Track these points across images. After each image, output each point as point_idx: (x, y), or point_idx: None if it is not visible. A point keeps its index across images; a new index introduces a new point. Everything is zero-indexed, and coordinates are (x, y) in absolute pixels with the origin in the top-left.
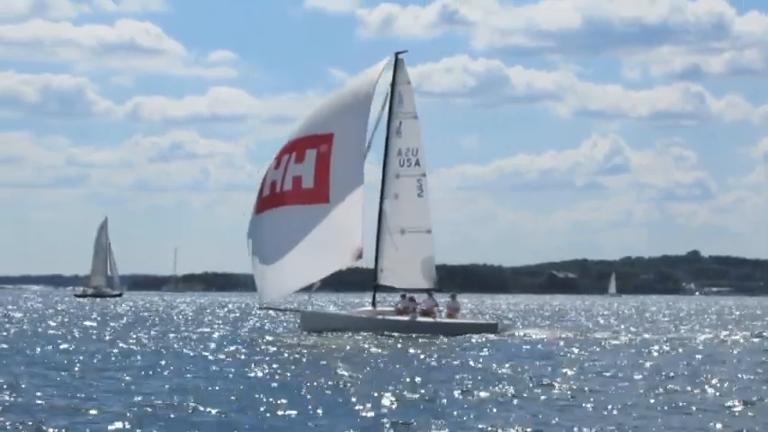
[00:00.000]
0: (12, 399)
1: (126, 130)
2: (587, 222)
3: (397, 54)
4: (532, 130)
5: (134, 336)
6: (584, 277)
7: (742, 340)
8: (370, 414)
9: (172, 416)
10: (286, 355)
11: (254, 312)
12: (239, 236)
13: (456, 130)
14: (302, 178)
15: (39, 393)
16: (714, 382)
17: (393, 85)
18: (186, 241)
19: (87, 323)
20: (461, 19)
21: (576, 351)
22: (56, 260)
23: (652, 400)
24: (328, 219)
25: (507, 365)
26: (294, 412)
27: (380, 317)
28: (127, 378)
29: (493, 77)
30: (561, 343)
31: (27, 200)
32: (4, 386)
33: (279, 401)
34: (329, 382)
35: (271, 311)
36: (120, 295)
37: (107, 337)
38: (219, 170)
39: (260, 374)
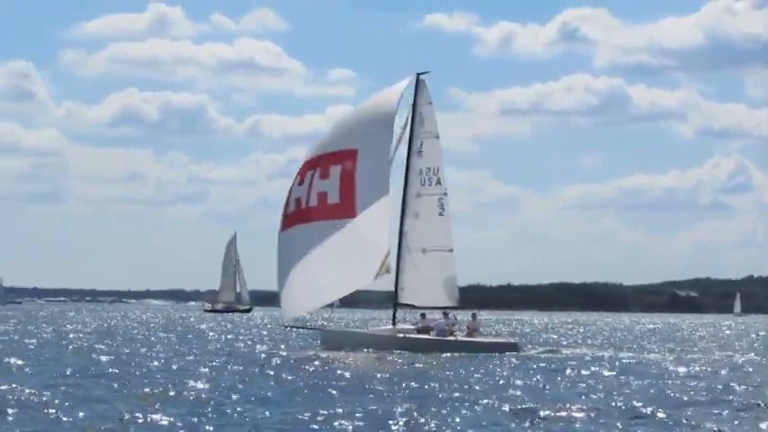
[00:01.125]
0: None
1: (246, 148)
2: (710, 242)
3: (418, 75)
4: (654, 149)
5: None
6: (706, 296)
7: None
8: None
9: None
10: None
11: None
12: None
13: (576, 148)
14: (327, 194)
15: None
16: None
17: (414, 105)
18: None
19: None
20: (582, 37)
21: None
22: (177, 275)
23: None
24: (355, 234)
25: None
26: None
27: (401, 335)
28: None
29: (614, 96)
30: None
31: (149, 216)
32: None
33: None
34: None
35: (294, 329)
36: (249, 310)
37: None
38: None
39: None
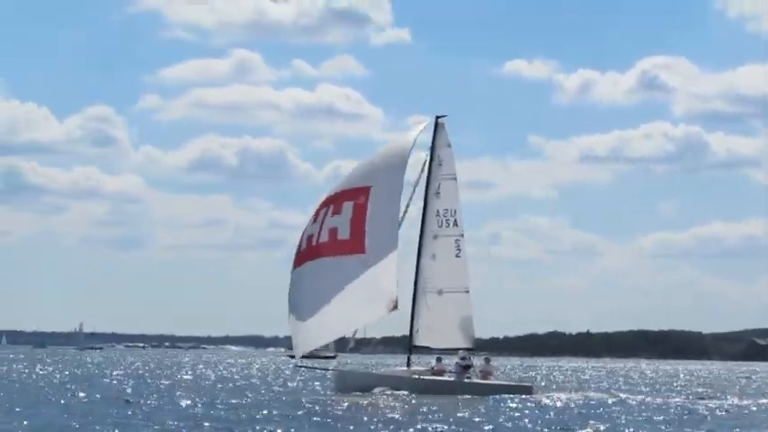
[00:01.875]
0: None
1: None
2: None
3: (437, 117)
4: (732, 196)
5: None
6: None
7: None
8: None
9: None
10: None
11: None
12: None
13: (654, 196)
14: (338, 230)
15: None
16: None
17: (432, 148)
18: None
19: None
20: (661, 85)
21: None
22: (256, 321)
23: None
24: (364, 270)
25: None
26: None
27: (416, 377)
28: None
29: (692, 143)
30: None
31: (228, 262)
32: None
33: None
34: None
35: (305, 368)
36: (334, 357)
37: None
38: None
39: None
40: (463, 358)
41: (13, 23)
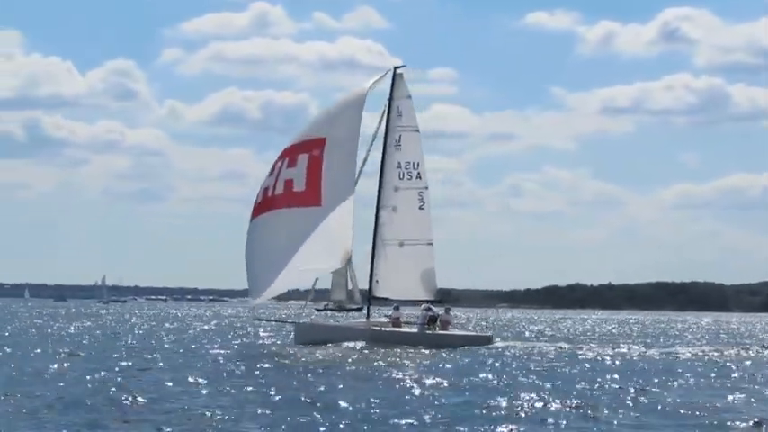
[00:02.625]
0: None
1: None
2: None
3: (395, 68)
4: (754, 147)
5: None
6: None
7: None
8: None
9: None
10: None
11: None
12: (460, 252)
13: (676, 148)
14: (294, 181)
15: None
16: None
17: (391, 99)
18: None
19: None
20: (683, 36)
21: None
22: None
23: None
24: (319, 222)
25: None
26: None
27: (377, 328)
28: None
29: (714, 95)
30: None
31: (248, 215)
32: None
33: None
34: None
35: (264, 321)
36: (360, 309)
37: None
38: (440, 187)
39: None
40: (428, 309)
41: None
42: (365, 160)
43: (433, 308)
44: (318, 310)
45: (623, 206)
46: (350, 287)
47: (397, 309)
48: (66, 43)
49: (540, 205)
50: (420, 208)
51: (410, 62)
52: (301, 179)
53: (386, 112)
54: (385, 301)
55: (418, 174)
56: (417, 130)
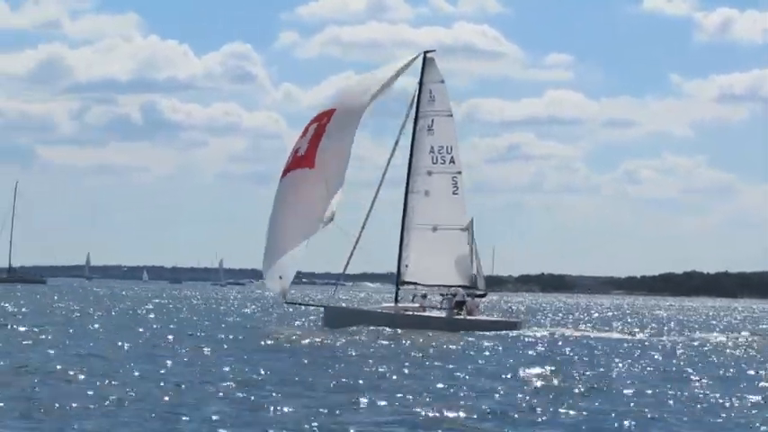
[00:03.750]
0: None
1: (463, 132)
2: None
3: (425, 53)
4: None
5: None
6: None
7: None
8: None
9: None
10: None
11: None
12: (575, 238)
13: None
14: (300, 148)
15: None
16: None
17: (421, 83)
18: (521, 242)
19: None
20: None
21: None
22: (393, 259)
23: None
24: (310, 182)
25: None
26: None
27: (409, 313)
28: None
29: None
30: None
31: (366, 200)
32: None
33: None
34: None
35: (295, 306)
36: (484, 295)
37: None
38: (556, 172)
39: None
40: (455, 295)
41: None
42: (396, 144)
43: (461, 292)
44: (442, 295)
45: (739, 194)
46: (473, 272)
47: (424, 297)
48: (184, 26)
49: (657, 192)
50: (454, 193)
51: (526, 47)
52: (305, 145)
53: (416, 96)
54: (414, 286)
55: (452, 158)
56: (451, 115)
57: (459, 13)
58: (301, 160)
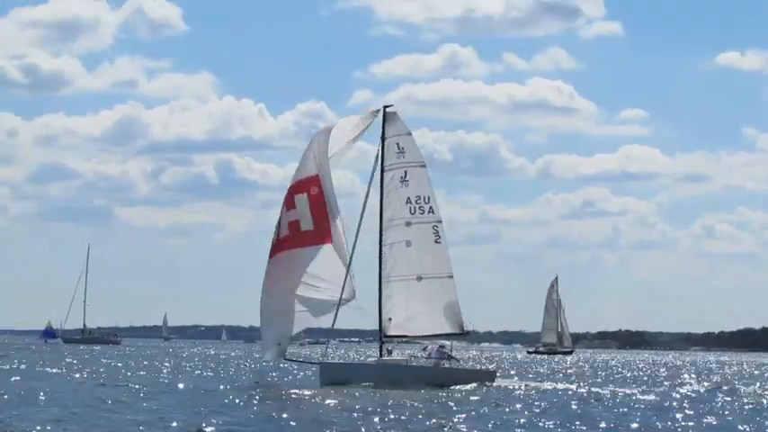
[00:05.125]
0: None
1: (538, 188)
2: None
3: (384, 108)
4: None
5: None
6: None
7: None
8: None
9: None
10: None
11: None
12: (653, 294)
13: None
14: (300, 222)
15: None
16: None
17: (384, 137)
18: (600, 299)
19: None
20: None
21: None
22: (469, 316)
23: None
24: (331, 259)
25: None
26: None
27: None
28: None
29: None
30: None
31: None
32: None
33: None
34: None
35: (294, 363)
36: (570, 352)
37: None
38: (632, 228)
39: None
40: (442, 347)
41: (226, 22)
42: (366, 198)
43: (448, 344)
44: (529, 352)
45: None
46: (560, 330)
47: (424, 350)
48: (258, 86)
49: (734, 246)
50: (436, 242)
51: (600, 103)
52: (307, 218)
53: (380, 150)
54: (399, 339)
55: (430, 208)
56: (424, 166)
57: (532, 70)
58: (314, 236)
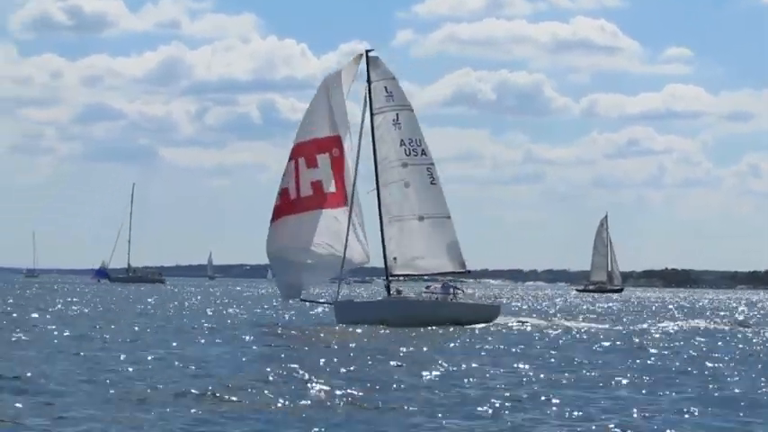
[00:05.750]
0: None
1: (582, 127)
2: None
3: (367, 52)
4: None
5: None
6: None
7: None
8: None
9: None
10: None
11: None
12: (698, 232)
13: None
14: (322, 183)
15: None
16: None
17: (369, 81)
18: (645, 238)
19: None
20: None
21: None
22: (514, 255)
23: None
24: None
25: None
26: None
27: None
28: None
29: None
30: None
31: (485, 196)
32: None
33: None
34: None
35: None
36: (620, 290)
37: None
38: (676, 166)
39: None
40: (448, 282)
41: None
42: (359, 143)
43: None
44: (578, 290)
45: None
46: (610, 269)
47: (444, 286)
48: (301, 26)
49: None
50: (432, 183)
51: (644, 41)
52: (330, 180)
53: (367, 95)
54: (405, 278)
55: (422, 150)
56: (412, 110)
57: (576, 9)
58: (335, 198)
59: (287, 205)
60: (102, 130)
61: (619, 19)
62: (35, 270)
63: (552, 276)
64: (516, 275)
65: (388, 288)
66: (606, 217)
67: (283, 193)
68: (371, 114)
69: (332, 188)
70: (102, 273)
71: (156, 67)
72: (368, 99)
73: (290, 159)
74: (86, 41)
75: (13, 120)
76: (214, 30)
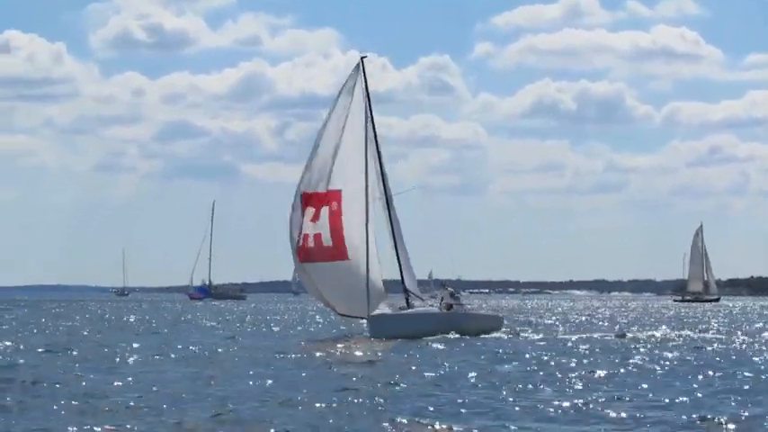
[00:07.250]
0: None
1: (664, 135)
2: None
3: (362, 58)
4: None
5: None
6: None
7: None
8: None
9: None
10: None
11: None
12: None
13: None
14: (321, 236)
15: None
16: None
17: (367, 89)
18: (728, 246)
19: None
20: None
21: None
22: (598, 265)
23: None
24: (352, 273)
25: None
26: None
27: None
28: None
29: None
30: None
31: (568, 206)
32: None
33: None
34: None
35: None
36: (717, 300)
37: None
38: (760, 174)
39: None
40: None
41: None
42: (366, 149)
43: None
44: (676, 300)
45: None
46: (706, 278)
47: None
48: (381, 40)
49: None
50: None
51: (726, 49)
52: (327, 235)
53: (367, 104)
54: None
55: None
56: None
57: (657, 17)
58: (328, 251)
59: (306, 251)
60: (183, 148)
61: (699, 26)
62: (125, 289)
63: (638, 286)
64: (601, 286)
65: (407, 301)
66: (701, 227)
67: (302, 236)
68: (374, 127)
69: (329, 242)
70: (203, 290)
71: (237, 83)
72: (368, 108)
73: (303, 204)
74: (167, 59)
75: (97, 138)
76: (294, 45)
